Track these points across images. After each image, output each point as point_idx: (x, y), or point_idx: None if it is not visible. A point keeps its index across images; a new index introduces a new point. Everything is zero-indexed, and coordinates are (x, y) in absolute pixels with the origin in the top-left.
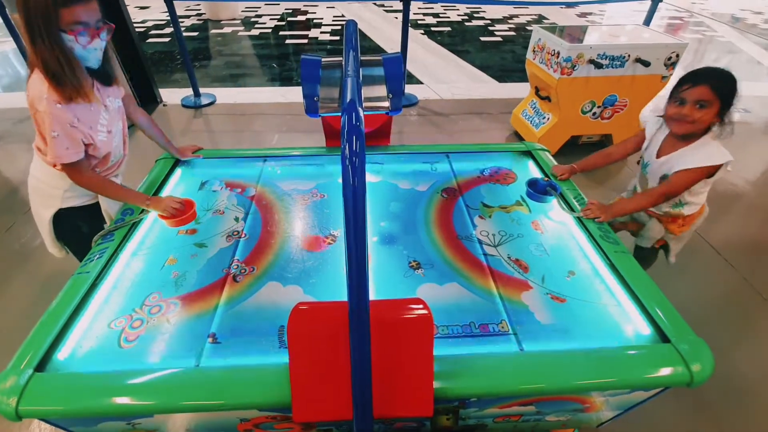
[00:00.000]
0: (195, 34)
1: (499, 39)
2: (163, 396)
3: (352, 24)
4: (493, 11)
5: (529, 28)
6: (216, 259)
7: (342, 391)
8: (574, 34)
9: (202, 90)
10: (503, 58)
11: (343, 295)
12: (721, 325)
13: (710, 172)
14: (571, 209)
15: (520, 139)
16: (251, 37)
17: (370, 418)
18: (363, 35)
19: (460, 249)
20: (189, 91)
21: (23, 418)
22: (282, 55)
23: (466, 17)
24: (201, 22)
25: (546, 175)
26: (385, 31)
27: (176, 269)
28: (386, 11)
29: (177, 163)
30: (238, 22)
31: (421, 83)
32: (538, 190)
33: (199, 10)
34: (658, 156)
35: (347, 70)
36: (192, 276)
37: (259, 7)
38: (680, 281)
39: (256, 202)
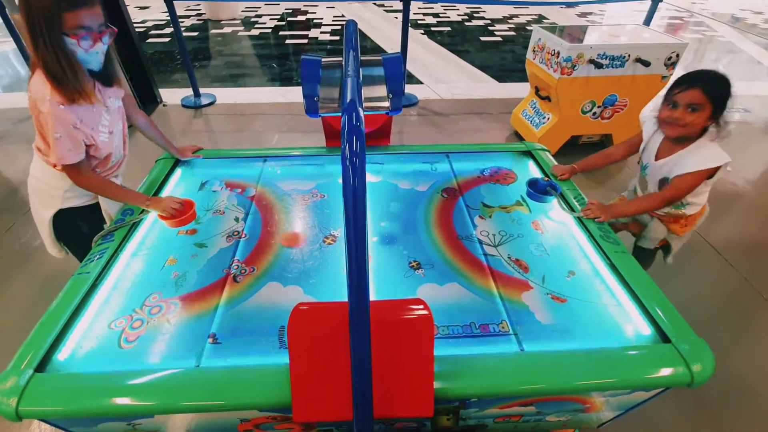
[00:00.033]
0: (195, 34)
1: (499, 39)
2: (164, 396)
3: (352, 24)
4: (493, 11)
5: (529, 28)
6: (216, 259)
7: (342, 391)
8: (574, 34)
9: (202, 90)
10: (503, 58)
11: (343, 296)
12: (722, 326)
13: (710, 173)
14: (572, 209)
15: (520, 139)
16: (251, 37)
17: (371, 418)
18: (363, 35)
19: (460, 249)
20: (189, 91)
21: (23, 419)
22: (282, 55)
23: (466, 17)
24: (201, 22)
25: (546, 175)
26: (385, 31)
27: (176, 269)
28: (386, 11)
29: (177, 163)
30: (238, 22)
31: (421, 83)
32: (538, 190)
33: (199, 10)
34: (657, 158)
35: (347, 70)
36: (192, 276)
37: (259, 7)
38: (681, 281)
39: (257, 203)
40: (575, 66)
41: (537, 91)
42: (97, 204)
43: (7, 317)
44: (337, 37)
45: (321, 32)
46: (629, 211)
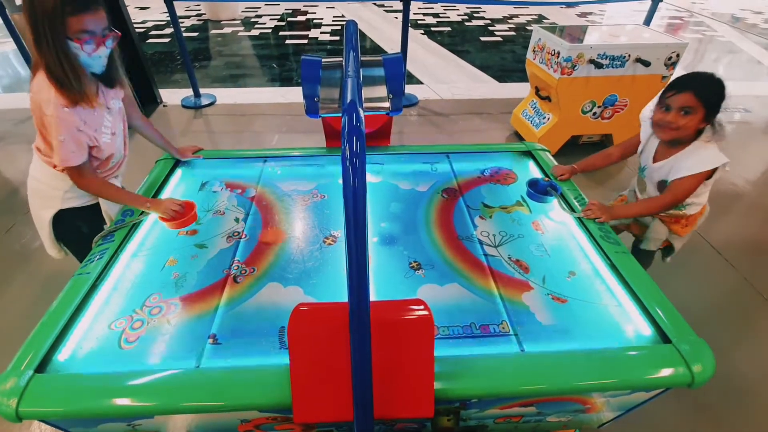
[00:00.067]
0: (195, 34)
1: (499, 39)
2: (164, 397)
3: (352, 24)
4: (493, 11)
5: (529, 28)
6: (216, 259)
7: (342, 392)
8: (574, 34)
9: (202, 90)
10: (503, 58)
11: (343, 296)
12: (722, 326)
13: (708, 174)
14: (572, 209)
15: (521, 139)
16: (251, 37)
17: (371, 419)
18: (363, 35)
19: (460, 249)
20: (189, 92)
21: (23, 420)
22: (282, 56)
23: (466, 17)
24: (201, 22)
25: (546, 175)
26: (385, 31)
27: (176, 270)
28: (386, 11)
29: (177, 163)
30: (238, 22)
31: (421, 83)
32: (538, 190)
33: (199, 10)
34: (655, 161)
35: (347, 70)
36: (192, 277)
37: (259, 8)
38: (681, 281)
39: (257, 203)
40: (575, 66)
41: (537, 91)
42: (97, 204)
43: (8, 318)
44: (337, 38)
45: (321, 32)
46: (630, 213)
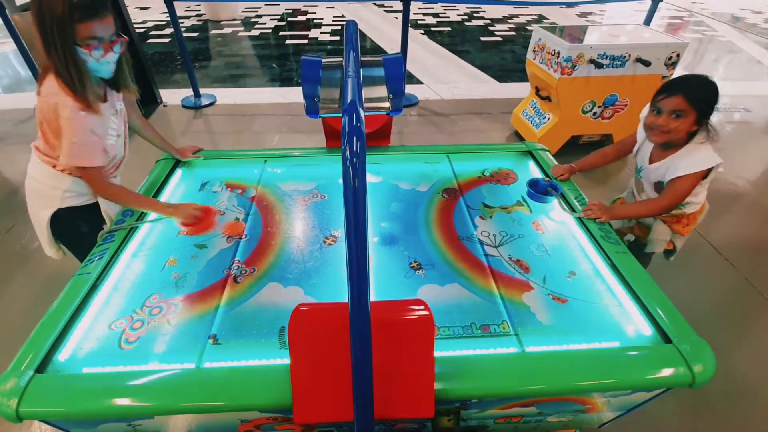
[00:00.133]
0: (195, 34)
1: (500, 39)
2: (164, 397)
3: (352, 24)
4: (493, 11)
5: (529, 28)
6: (216, 260)
7: (343, 392)
8: (575, 34)
9: (202, 90)
10: (503, 58)
11: (343, 296)
12: (723, 326)
13: (703, 175)
14: (572, 209)
15: (521, 139)
16: (251, 37)
17: (371, 419)
18: (363, 35)
19: (461, 249)
20: (189, 92)
21: (24, 420)
22: (282, 56)
23: (466, 17)
24: (201, 22)
25: (547, 175)
26: (385, 31)
27: (177, 270)
28: (386, 11)
29: (177, 163)
30: (238, 22)
31: (422, 83)
32: (539, 190)
33: (199, 10)
34: (650, 162)
35: (348, 70)
36: (192, 277)
37: (259, 8)
38: (681, 281)
39: (257, 203)
40: (575, 66)
41: (537, 91)
42: (96, 203)
43: (8, 318)
44: (338, 38)
45: (321, 32)
46: (630, 214)
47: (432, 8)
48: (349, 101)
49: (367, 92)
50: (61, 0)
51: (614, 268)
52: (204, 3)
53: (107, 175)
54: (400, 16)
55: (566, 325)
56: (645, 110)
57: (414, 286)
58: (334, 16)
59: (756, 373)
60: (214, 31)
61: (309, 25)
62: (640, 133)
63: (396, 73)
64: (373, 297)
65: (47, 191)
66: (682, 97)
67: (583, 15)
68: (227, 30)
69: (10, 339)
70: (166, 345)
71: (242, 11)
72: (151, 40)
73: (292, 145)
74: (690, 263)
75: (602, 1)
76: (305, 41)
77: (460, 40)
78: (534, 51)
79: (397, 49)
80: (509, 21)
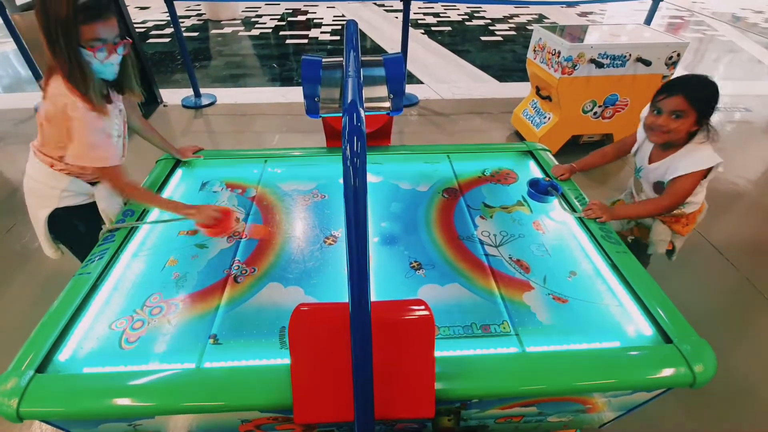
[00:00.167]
0: (195, 34)
1: (500, 38)
2: (164, 397)
3: (352, 24)
4: (493, 11)
5: (529, 27)
6: (217, 260)
7: (343, 392)
8: (575, 34)
9: (202, 90)
10: (504, 57)
11: (344, 296)
12: (723, 326)
13: (704, 174)
14: (573, 209)
15: (521, 138)
16: (251, 37)
17: (372, 419)
18: (363, 35)
19: (461, 249)
20: (189, 92)
21: (24, 420)
22: (282, 55)
23: (466, 17)
24: (201, 22)
25: (547, 174)
26: (385, 31)
27: (177, 270)
28: (386, 11)
29: (178, 163)
30: (239, 22)
31: (422, 83)
32: (539, 190)
33: (200, 10)
34: (650, 162)
35: (348, 70)
36: (193, 277)
37: (260, 7)
38: (682, 281)
39: (257, 203)
40: (576, 65)
41: (538, 90)
42: (94, 203)
43: (8, 318)
44: (338, 37)
45: (321, 32)
46: (630, 214)
47: (432, 8)
48: (349, 101)
49: (368, 92)
50: (65, 2)
51: (615, 267)
52: (204, 3)
53: (126, 173)
54: (400, 15)
55: (567, 325)
56: (645, 110)
57: (414, 286)
58: (334, 16)
59: (756, 373)
60: (214, 31)
61: (309, 24)
62: (640, 133)
63: (396, 72)
64: (373, 297)
65: (45, 191)
66: (682, 97)
67: (583, 14)
68: (227, 30)
69: (10, 339)
70: (167, 345)
71: (242, 11)
72: (151, 40)
73: (292, 144)
74: (691, 263)
75: (603, 1)
76: (305, 41)
77: (461, 39)
78: (534, 50)
79: (398, 48)
80: (510, 20)
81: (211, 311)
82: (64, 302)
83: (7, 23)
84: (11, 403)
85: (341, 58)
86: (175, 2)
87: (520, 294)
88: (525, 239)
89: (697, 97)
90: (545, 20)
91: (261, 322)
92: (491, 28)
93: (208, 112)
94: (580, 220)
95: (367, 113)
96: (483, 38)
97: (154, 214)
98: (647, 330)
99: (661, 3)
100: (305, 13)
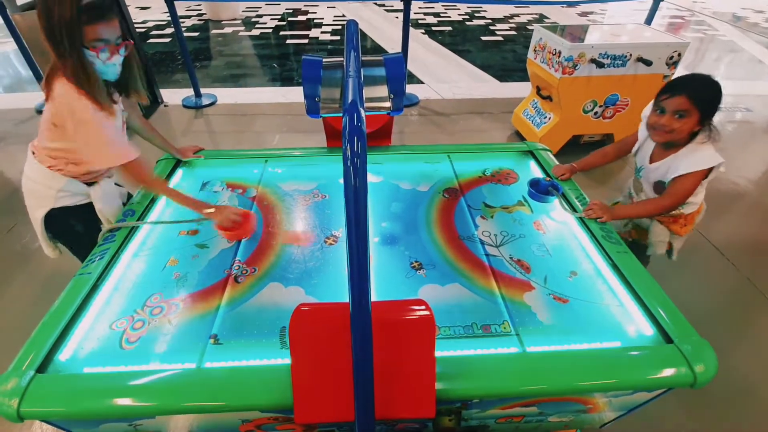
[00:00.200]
0: (196, 34)
1: (500, 38)
2: (165, 397)
3: (353, 24)
4: (494, 10)
5: (530, 27)
6: (217, 260)
7: (344, 392)
8: (576, 34)
9: (203, 90)
10: (504, 57)
11: (344, 296)
12: (724, 326)
13: (705, 174)
14: (573, 209)
15: (522, 138)
16: (252, 37)
17: (372, 419)
18: (364, 35)
19: (461, 249)
20: (190, 92)
21: (25, 420)
22: (283, 55)
23: (467, 17)
24: (202, 22)
25: (548, 174)
26: (385, 31)
27: (178, 270)
28: (387, 11)
29: (178, 163)
30: (239, 22)
31: (422, 83)
32: (540, 190)
33: (200, 10)
34: (651, 161)
35: (348, 70)
36: (193, 277)
37: (260, 7)
38: (683, 281)
39: (258, 203)
40: (576, 65)
41: (538, 90)
42: (91, 204)
43: (8, 318)
44: (338, 37)
45: (322, 32)
46: (630, 214)
47: (433, 8)
48: (349, 101)
49: (368, 92)
50: (69, 3)
51: (615, 267)
52: (204, 3)
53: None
54: (400, 15)
55: (567, 325)
56: (646, 110)
57: (415, 285)
58: (334, 16)
59: (757, 373)
60: (214, 31)
61: (309, 24)
62: (642, 133)
63: (397, 72)
64: (373, 297)
65: (42, 191)
66: (685, 97)
67: (584, 14)
68: (228, 30)
69: (10, 339)
70: (167, 345)
71: (243, 11)
72: (151, 40)
73: (292, 144)
74: (691, 263)
75: (603, 1)
76: (306, 41)
77: (461, 39)
78: (535, 50)
79: (398, 48)
80: (510, 20)
81: (212, 311)
82: (64, 302)
83: (8, 23)
84: (12, 403)
85: (342, 58)
86: (175, 2)
87: (520, 294)
88: (526, 239)
89: (700, 97)
90: (546, 20)
91: (261, 322)
92: (492, 27)
93: (209, 112)
94: (581, 220)
95: (367, 113)
96: (483, 38)
97: (155, 214)
98: (648, 330)
99: (661, 3)
100: (306, 13)
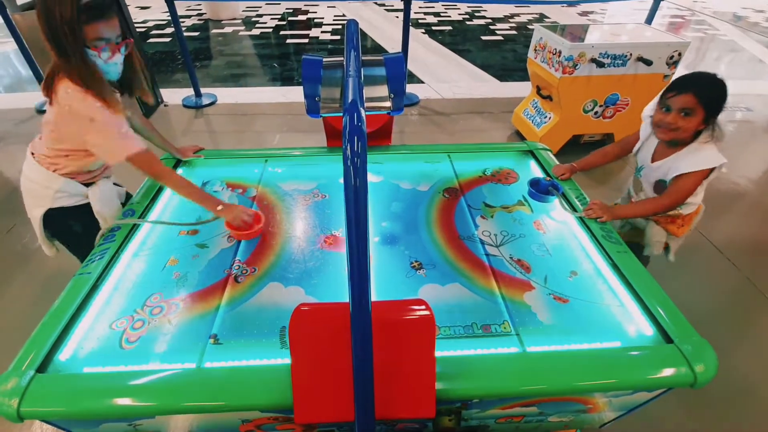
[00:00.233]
0: (196, 34)
1: (501, 38)
2: (165, 397)
3: (353, 24)
4: (494, 10)
5: (530, 27)
6: (217, 259)
7: (344, 392)
8: (576, 33)
9: (203, 90)
10: (504, 57)
11: (344, 296)
12: (724, 325)
13: (706, 174)
14: (573, 209)
15: (522, 138)
16: (252, 36)
17: (372, 419)
18: (364, 35)
19: (462, 249)
20: (190, 91)
21: (25, 420)
22: (283, 55)
23: (467, 16)
24: (202, 21)
25: (548, 174)
26: (385, 31)
27: (177, 270)
28: (387, 10)
29: (178, 163)
30: (239, 21)
31: (422, 82)
32: (540, 189)
33: (200, 9)
34: (653, 160)
35: (348, 70)
36: (193, 277)
37: (260, 7)
38: (683, 281)
39: (258, 203)
40: (577, 65)
41: (538, 90)
42: (89, 204)
43: (8, 318)
44: (338, 37)
45: (322, 32)
46: (630, 213)
47: (433, 7)
48: (350, 101)
49: (368, 91)
50: (69, 2)
51: (615, 267)
52: (205, 2)
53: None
54: (401, 15)
55: (567, 325)
56: (646, 109)
57: (415, 285)
58: (334, 16)
59: (757, 373)
60: (214, 31)
61: (310, 24)
62: (643, 132)
63: (397, 72)
64: (374, 297)
65: (39, 191)
66: (692, 95)
67: (584, 14)
68: (228, 29)
69: (10, 339)
70: (167, 345)
71: (243, 10)
72: (151, 40)
73: (292, 144)
74: (691, 263)
75: (603, 0)
76: (306, 40)
77: (461, 39)
78: (535, 50)
79: (398, 48)
80: (510, 20)
81: (212, 311)
82: (64, 302)
83: (8, 23)
84: (12, 402)
85: (342, 58)
86: (175, 2)
87: (520, 294)
88: (526, 239)
89: (707, 95)
90: (546, 19)
91: (261, 321)
92: (492, 27)
93: (209, 111)
94: (581, 219)
95: (367, 113)
96: (484, 38)
97: (155, 213)
98: (648, 330)
99: (662, 2)
100: (306, 12)
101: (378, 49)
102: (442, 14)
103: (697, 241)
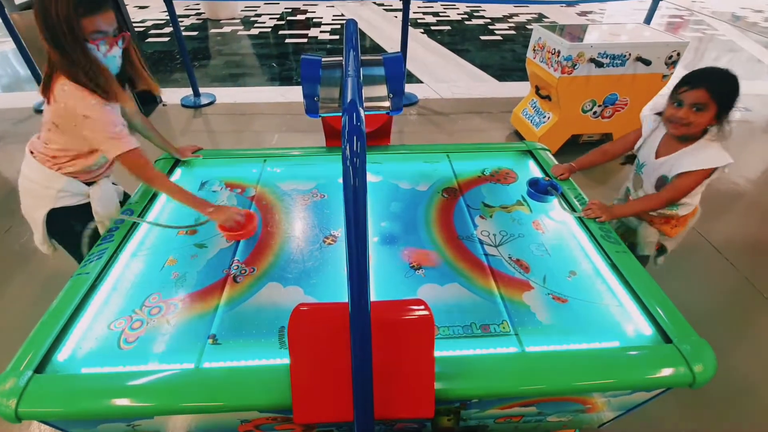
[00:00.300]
0: (194, 33)
1: (499, 38)
2: (164, 397)
3: (352, 23)
4: (493, 10)
5: (529, 26)
6: (216, 259)
7: (343, 392)
8: (575, 33)
9: (201, 90)
10: (503, 57)
11: (343, 296)
12: (723, 325)
13: (708, 174)
14: (572, 209)
15: (521, 138)
16: (251, 36)
17: (371, 419)
18: (363, 34)
19: (461, 249)
20: (189, 91)
21: (23, 420)
22: (282, 55)
23: (466, 16)
24: (200, 21)
25: (547, 174)
26: (384, 30)
27: (176, 270)
28: (386, 10)
29: (177, 163)
30: (238, 21)
31: (421, 82)
32: (539, 189)
33: (199, 9)
34: (657, 157)
35: (347, 69)
36: (192, 277)
37: (259, 7)
38: (682, 281)
39: (257, 203)
40: (576, 65)
41: (537, 90)
42: (89, 203)
43: (7, 318)
44: (337, 37)
45: (321, 31)
46: (630, 211)
47: (432, 7)
48: (349, 100)
49: (367, 91)
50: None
51: (614, 267)
52: (203, 2)
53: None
54: (399, 15)
55: (566, 325)
56: (645, 109)
57: (414, 285)
58: (333, 15)
59: (756, 373)
60: (213, 30)
61: (308, 24)
62: (646, 128)
63: (396, 72)
64: (373, 297)
65: (40, 191)
66: (704, 90)
67: (583, 14)
68: (227, 29)
69: (9, 339)
70: (166, 345)
71: (242, 10)
72: (150, 39)
73: (291, 144)
74: (690, 263)
75: (602, 0)
76: (305, 40)
77: (460, 38)
78: (534, 50)
79: (397, 48)
80: (509, 20)
81: (211, 311)
82: (62, 302)
83: (6, 22)
84: (9, 403)
85: (341, 58)
86: (174, 1)
87: (519, 294)
88: (524, 239)
89: (719, 90)
90: (545, 19)
91: (260, 322)
92: (491, 27)
93: (208, 111)
94: (580, 219)
95: (366, 113)
96: (482, 37)
97: (153, 213)
98: (647, 330)
99: (660, 2)
100: (304, 12)
101: (377, 48)
102: (441, 14)
103: (695, 241)
